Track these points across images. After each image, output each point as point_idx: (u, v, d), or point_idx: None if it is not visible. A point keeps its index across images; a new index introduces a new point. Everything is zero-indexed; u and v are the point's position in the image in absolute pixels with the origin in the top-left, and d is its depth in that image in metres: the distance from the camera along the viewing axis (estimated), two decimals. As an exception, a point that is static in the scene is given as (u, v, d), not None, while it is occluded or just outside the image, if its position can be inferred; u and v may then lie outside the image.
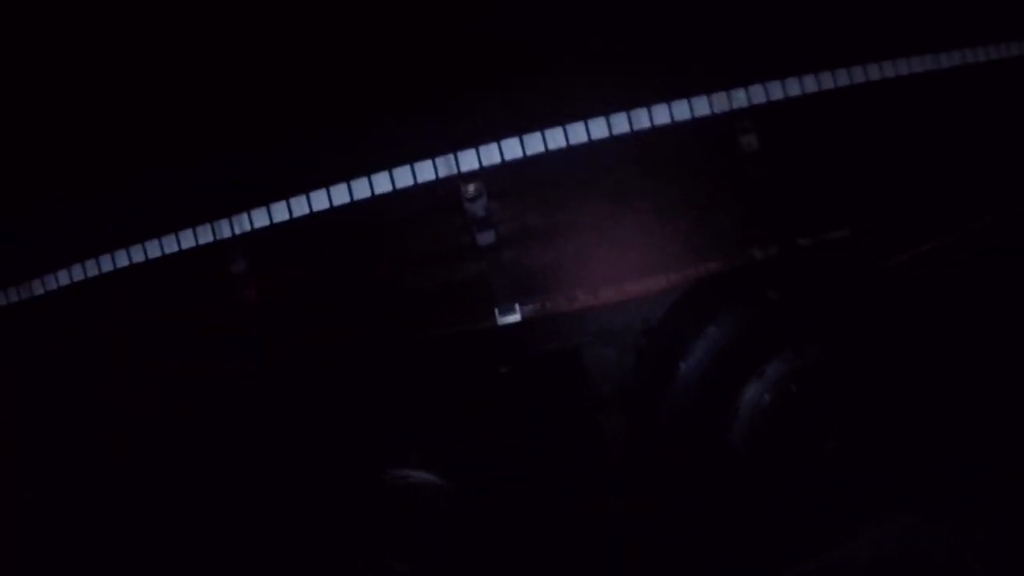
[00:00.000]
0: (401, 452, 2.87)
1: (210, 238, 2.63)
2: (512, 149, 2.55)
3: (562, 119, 2.55)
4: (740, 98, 2.57)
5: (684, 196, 2.65)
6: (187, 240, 2.63)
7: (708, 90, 2.56)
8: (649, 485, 2.99)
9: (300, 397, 2.80)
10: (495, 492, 2.91)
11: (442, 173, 2.55)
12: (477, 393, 2.91)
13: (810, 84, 2.56)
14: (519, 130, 2.54)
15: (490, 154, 2.55)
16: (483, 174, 2.56)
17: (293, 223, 2.60)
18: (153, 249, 2.67)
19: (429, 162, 2.55)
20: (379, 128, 2.54)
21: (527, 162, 2.56)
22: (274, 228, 2.59)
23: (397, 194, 2.56)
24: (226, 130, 2.57)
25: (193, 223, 2.62)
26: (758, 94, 2.56)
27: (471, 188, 2.55)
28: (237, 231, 2.61)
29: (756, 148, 2.61)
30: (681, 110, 2.58)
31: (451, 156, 2.54)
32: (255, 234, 2.60)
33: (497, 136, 2.54)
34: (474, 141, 2.53)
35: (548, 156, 2.56)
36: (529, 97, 2.56)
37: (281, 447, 2.84)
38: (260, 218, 2.60)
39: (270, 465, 2.83)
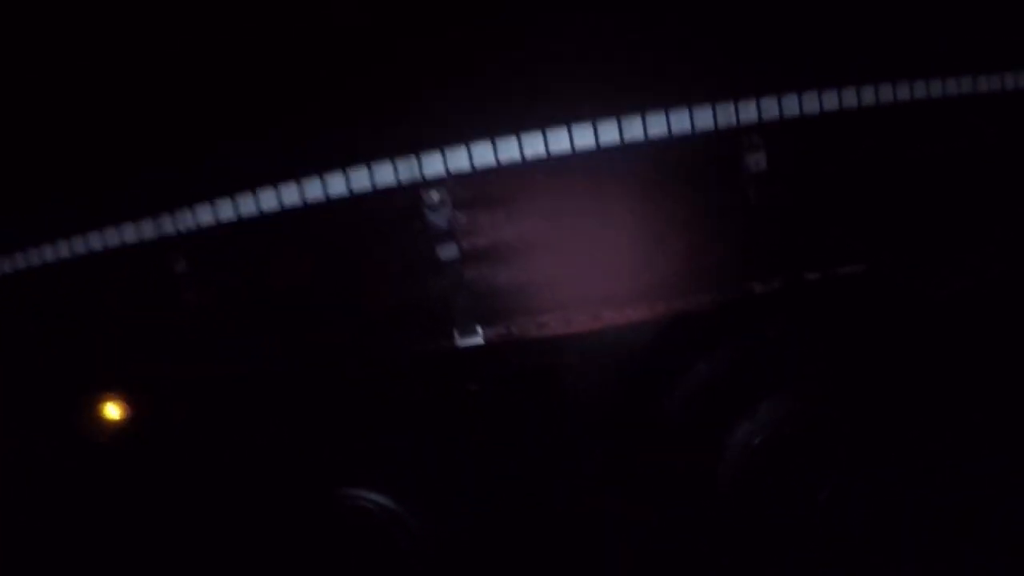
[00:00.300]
0: (355, 471, 2.68)
1: (153, 235, 2.40)
2: (483, 154, 2.26)
3: (542, 123, 2.23)
4: (749, 112, 2.22)
5: (678, 218, 2.34)
6: (130, 236, 2.41)
7: (712, 100, 2.21)
8: (623, 518, 2.76)
9: (247, 405, 2.61)
10: (453, 518, 2.71)
11: (403, 177, 2.27)
12: (439, 413, 2.69)
13: (830, 101, 2.20)
14: (492, 133, 2.24)
15: (457, 158, 2.26)
16: (448, 181, 2.27)
17: (240, 223, 2.35)
18: (96, 243, 2.46)
19: (389, 164, 2.27)
20: (334, 124, 2.26)
21: (499, 170, 2.26)
22: (219, 228, 2.35)
23: (353, 198, 2.29)
24: (168, 125, 2.32)
25: (137, 218, 2.39)
26: (769, 109, 2.21)
27: (434, 195, 2.27)
28: (180, 229, 2.38)
29: (764, 168, 2.27)
30: (680, 121, 2.24)
31: (413, 158, 2.26)
32: (198, 233, 2.37)
33: (466, 139, 2.24)
34: (440, 143, 2.24)
35: (524, 165, 2.26)
36: (505, 96, 2.24)
37: (227, 455, 2.67)
38: (204, 216, 2.36)
39: (214, 473, 2.66)
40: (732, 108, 2.23)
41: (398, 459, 2.72)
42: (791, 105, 2.22)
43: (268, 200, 2.33)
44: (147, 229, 2.42)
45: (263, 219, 2.33)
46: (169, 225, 2.39)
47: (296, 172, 2.28)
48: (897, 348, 2.59)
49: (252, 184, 2.30)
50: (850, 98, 2.20)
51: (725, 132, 2.25)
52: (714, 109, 2.24)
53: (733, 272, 2.37)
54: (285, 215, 2.31)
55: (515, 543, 2.79)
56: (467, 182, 2.27)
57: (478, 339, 2.38)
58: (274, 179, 2.30)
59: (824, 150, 2.28)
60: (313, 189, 2.30)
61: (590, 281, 2.35)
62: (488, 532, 2.78)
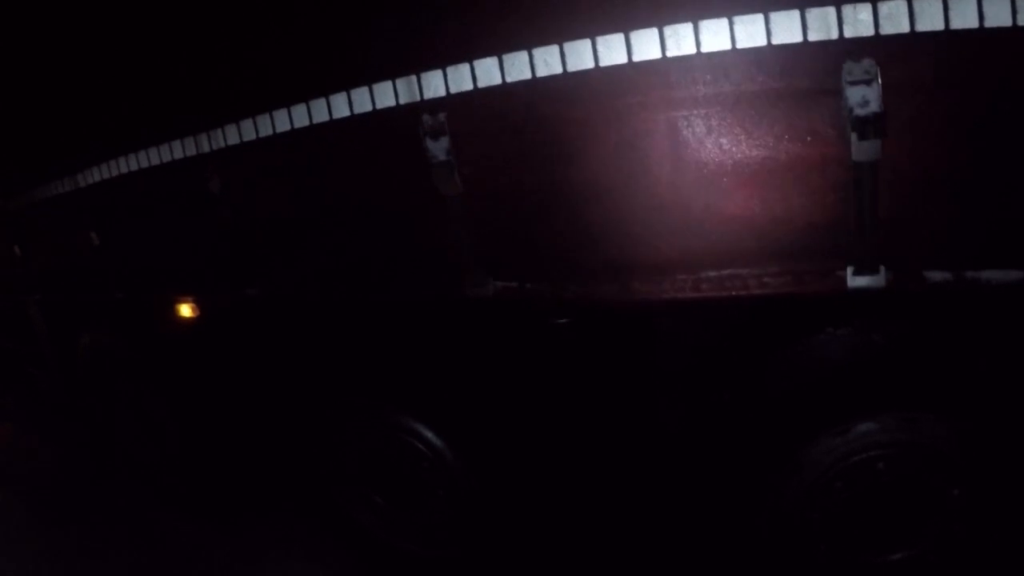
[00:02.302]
0: (414, 405, 2.54)
1: (192, 152, 2.44)
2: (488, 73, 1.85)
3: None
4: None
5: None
6: (167, 154, 2.47)
7: None
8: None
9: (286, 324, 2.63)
10: (502, 469, 2.46)
11: (403, 99, 1.97)
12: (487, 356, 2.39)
13: None
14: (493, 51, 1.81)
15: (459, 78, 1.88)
16: (449, 103, 1.91)
17: (261, 142, 2.27)
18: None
19: (388, 83, 1.98)
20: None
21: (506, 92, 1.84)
22: (243, 146, 2.29)
23: (356, 120, 2.05)
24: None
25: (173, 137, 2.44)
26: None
27: (431, 120, 1.93)
28: (213, 146, 2.37)
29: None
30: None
31: (413, 78, 1.93)
32: (227, 151, 2.34)
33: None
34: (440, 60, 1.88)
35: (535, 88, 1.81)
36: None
37: (275, 363, 2.73)
38: (231, 135, 2.32)
39: (265, 375, 2.76)
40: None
41: (443, 397, 2.53)
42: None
43: (281, 122, 2.19)
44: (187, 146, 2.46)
45: (279, 140, 2.21)
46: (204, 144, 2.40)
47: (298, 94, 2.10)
48: None
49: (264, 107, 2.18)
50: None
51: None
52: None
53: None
54: (293, 135, 2.16)
55: (555, 500, 2.47)
56: (470, 105, 1.89)
57: (489, 291, 2.06)
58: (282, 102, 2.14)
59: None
60: (318, 110, 2.10)
61: (623, 240, 1.87)
62: (530, 485, 2.51)
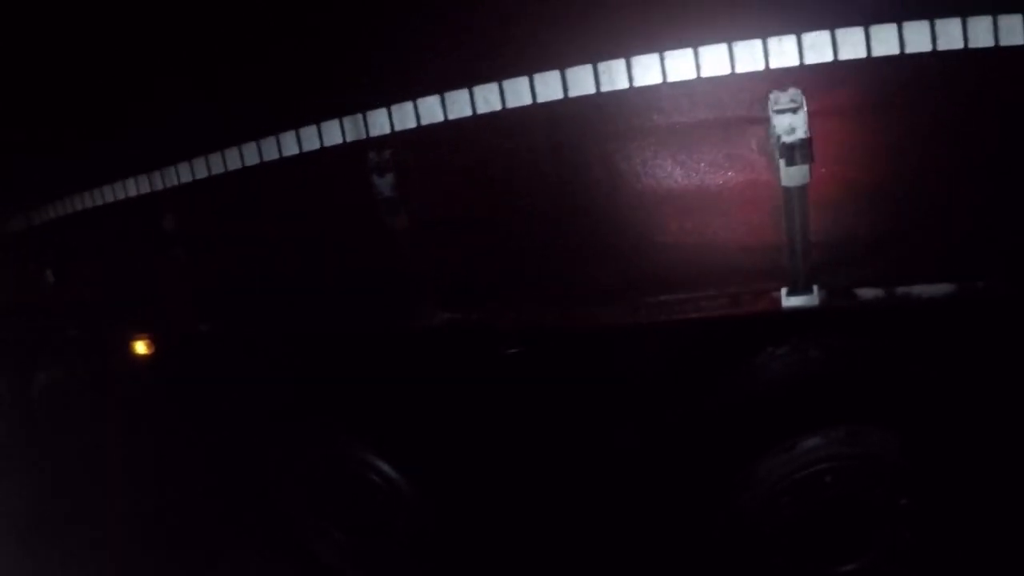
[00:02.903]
0: (368, 438, 2.55)
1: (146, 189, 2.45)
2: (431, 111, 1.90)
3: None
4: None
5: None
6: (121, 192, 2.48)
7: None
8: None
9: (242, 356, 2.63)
10: (458, 497, 2.48)
11: (349, 137, 2.01)
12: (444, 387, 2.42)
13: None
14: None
15: (404, 116, 1.93)
16: (394, 140, 1.96)
17: (216, 179, 2.28)
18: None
19: (336, 122, 2.01)
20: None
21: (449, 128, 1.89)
22: (197, 184, 2.31)
23: (304, 158, 2.08)
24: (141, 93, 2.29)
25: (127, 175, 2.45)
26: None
27: (376, 157, 1.97)
28: (167, 184, 2.38)
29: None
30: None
31: (359, 117, 1.97)
32: (182, 188, 2.35)
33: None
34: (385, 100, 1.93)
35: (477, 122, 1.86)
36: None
37: (231, 395, 2.72)
38: (185, 173, 2.33)
39: (221, 408, 2.75)
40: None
41: (396, 427, 2.55)
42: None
43: (233, 160, 2.22)
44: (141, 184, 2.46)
45: (231, 176, 2.23)
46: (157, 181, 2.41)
47: (250, 132, 2.13)
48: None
49: (217, 144, 2.20)
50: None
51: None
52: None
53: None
54: (247, 173, 2.19)
55: (514, 524, 2.48)
56: (414, 143, 1.93)
57: (434, 323, 2.09)
58: (234, 140, 2.17)
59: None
60: (268, 148, 2.13)
61: (564, 269, 1.92)
62: (487, 510, 2.52)
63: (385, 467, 2.45)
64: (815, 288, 1.84)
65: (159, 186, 2.43)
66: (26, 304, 3.37)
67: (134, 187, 2.50)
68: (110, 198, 2.62)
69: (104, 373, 3.10)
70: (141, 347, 2.85)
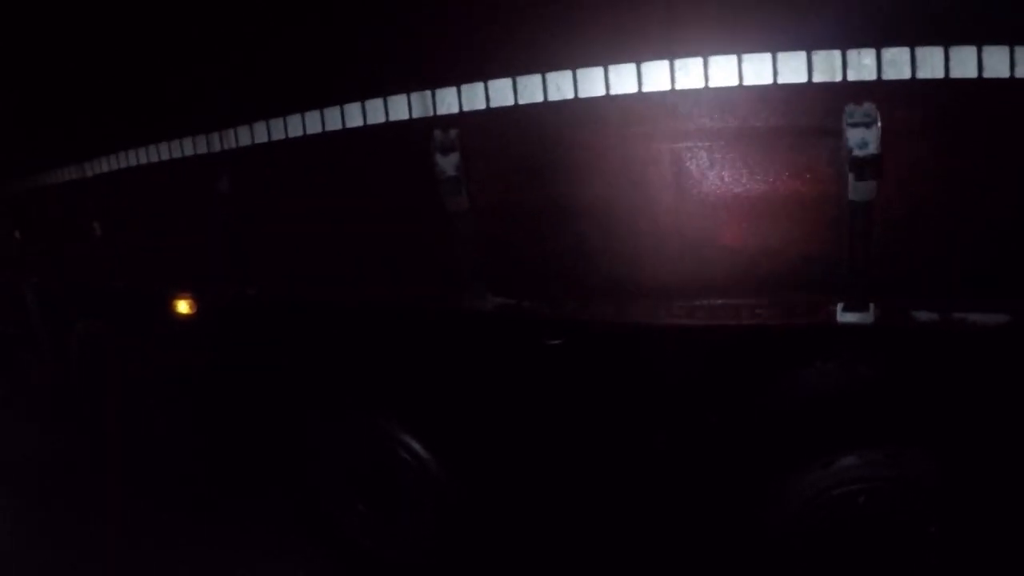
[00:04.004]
0: (403, 415, 2.57)
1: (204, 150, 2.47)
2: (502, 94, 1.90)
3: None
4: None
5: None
6: (178, 150, 2.51)
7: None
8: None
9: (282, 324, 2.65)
10: (488, 482, 2.48)
11: (416, 113, 2.01)
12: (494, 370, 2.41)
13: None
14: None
15: (473, 97, 1.93)
16: (462, 120, 1.96)
17: (275, 145, 2.30)
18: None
19: (403, 97, 2.02)
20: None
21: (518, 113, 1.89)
22: (257, 148, 2.33)
23: (368, 131, 2.09)
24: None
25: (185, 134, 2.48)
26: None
27: (442, 136, 1.98)
28: (225, 146, 2.41)
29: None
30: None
31: (427, 94, 1.98)
32: (241, 152, 2.37)
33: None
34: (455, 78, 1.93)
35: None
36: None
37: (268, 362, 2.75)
38: (244, 137, 2.35)
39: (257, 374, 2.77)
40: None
41: (432, 408, 2.55)
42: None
43: (294, 127, 2.23)
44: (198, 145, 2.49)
45: (290, 144, 2.25)
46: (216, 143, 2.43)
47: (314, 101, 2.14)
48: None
49: (279, 110, 2.22)
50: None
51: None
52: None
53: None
54: (305, 142, 2.20)
55: (541, 514, 2.48)
56: (482, 125, 1.93)
57: (487, 306, 2.09)
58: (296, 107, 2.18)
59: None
60: (332, 118, 2.15)
61: (621, 265, 1.91)
62: (516, 499, 2.52)
63: (416, 446, 2.47)
64: (871, 306, 1.83)
65: (217, 148, 2.45)
66: (71, 253, 3.43)
67: (191, 147, 2.53)
68: (166, 156, 2.65)
69: (145, 329, 3.14)
70: (184, 306, 2.88)
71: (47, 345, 3.90)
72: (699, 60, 1.75)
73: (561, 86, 1.83)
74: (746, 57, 1.74)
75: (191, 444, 3.22)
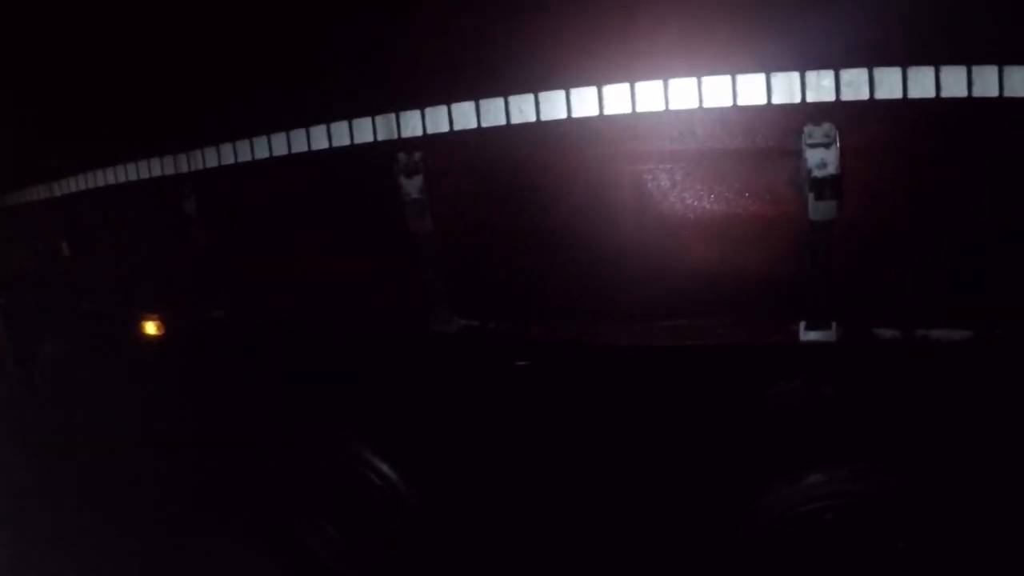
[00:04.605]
0: (370, 437, 2.54)
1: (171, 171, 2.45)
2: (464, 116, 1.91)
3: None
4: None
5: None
6: (145, 171, 2.49)
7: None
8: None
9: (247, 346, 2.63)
10: (458, 504, 2.46)
11: (381, 135, 2.01)
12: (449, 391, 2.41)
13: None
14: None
15: (437, 120, 1.93)
16: (426, 143, 1.96)
17: (241, 167, 2.29)
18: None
19: (368, 120, 2.02)
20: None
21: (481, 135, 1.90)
22: (222, 170, 2.32)
23: (333, 153, 2.09)
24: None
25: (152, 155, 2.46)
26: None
27: (406, 159, 1.98)
28: (192, 167, 2.39)
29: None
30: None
31: (392, 116, 1.98)
32: (206, 173, 2.36)
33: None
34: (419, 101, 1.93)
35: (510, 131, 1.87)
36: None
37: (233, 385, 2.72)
38: (211, 158, 2.34)
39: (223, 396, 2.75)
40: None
41: (400, 430, 2.54)
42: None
43: (260, 149, 2.22)
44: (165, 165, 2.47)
45: (256, 166, 2.24)
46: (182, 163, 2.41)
47: (280, 123, 2.14)
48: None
49: (245, 132, 2.21)
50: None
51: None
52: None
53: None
54: (272, 163, 2.19)
55: (511, 535, 2.47)
56: (445, 147, 1.94)
57: (452, 328, 2.09)
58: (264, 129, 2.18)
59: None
60: (297, 140, 2.14)
61: (586, 286, 1.91)
62: (486, 520, 2.50)
63: (386, 468, 2.45)
64: (833, 324, 1.84)
65: (183, 169, 2.43)
66: (38, 274, 3.38)
67: (159, 167, 2.51)
68: (133, 176, 2.63)
69: (111, 350, 3.10)
70: (151, 327, 2.85)
71: (13, 366, 3.84)
72: (659, 83, 1.77)
73: (523, 109, 1.84)
74: (705, 79, 1.76)
75: (160, 466, 3.16)
